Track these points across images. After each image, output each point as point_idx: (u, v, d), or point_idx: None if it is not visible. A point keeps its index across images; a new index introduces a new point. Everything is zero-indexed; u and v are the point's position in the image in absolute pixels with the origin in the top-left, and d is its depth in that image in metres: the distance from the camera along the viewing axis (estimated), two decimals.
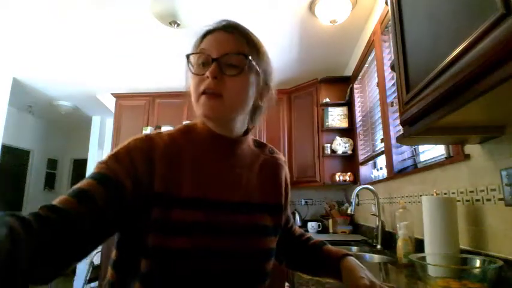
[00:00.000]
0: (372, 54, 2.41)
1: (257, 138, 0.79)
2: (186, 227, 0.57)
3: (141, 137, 0.62)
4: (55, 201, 0.49)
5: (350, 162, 3.04)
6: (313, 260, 0.79)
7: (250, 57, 0.63)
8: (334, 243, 2.16)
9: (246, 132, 0.72)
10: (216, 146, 0.67)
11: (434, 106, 0.75)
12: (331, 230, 2.92)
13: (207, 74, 0.60)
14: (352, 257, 0.72)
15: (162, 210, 0.56)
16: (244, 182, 0.68)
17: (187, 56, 0.64)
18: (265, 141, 0.82)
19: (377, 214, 2.03)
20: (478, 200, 1.07)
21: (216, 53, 0.62)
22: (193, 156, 0.64)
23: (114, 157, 0.58)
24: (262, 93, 0.69)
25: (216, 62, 0.61)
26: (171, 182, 0.59)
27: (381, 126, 2.16)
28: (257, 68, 0.65)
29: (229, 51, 0.62)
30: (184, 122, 0.73)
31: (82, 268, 4.16)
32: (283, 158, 0.81)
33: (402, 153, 1.88)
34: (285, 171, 0.80)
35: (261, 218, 0.68)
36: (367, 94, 2.65)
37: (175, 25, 2.35)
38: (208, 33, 0.66)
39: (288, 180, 0.81)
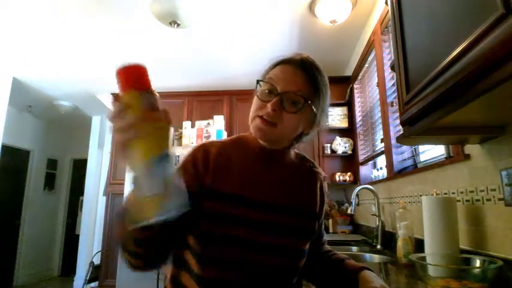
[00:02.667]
0: (372, 54, 2.40)
1: (300, 152, 0.85)
2: (229, 218, 0.67)
3: (198, 146, 0.74)
4: None
5: (350, 162, 3.04)
6: (333, 272, 0.81)
7: (309, 101, 0.69)
8: (334, 243, 2.17)
9: (289, 146, 0.78)
10: (261, 155, 0.75)
11: (434, 106, 0.75)
12: (331, 230, 2.91)
13: (269, 104, 0.67)
14: (370, 271, 0.75)
15: (211, 203, 0.67)
16: (282, 187, 0.75)
17: (258, 81, 0.72)
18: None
19: (377, 214, 2.03)
20: (478, 200, 1.07)
21: (281, 87, 0.68)
22: (240, 161, 0.73)
23: (183, 168, 0.70)
24: (313, 126, 0.75)
25: (279, 96, 0.67)
26: (220, 181, 0.69)
27: (381, 126, 2.16)
28: (314, 108, 0.71)
29: (292, 90, 0.68)
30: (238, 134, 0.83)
31: (82, 268, 4.16)
32: (323, 173, 0.87)
33: (402, 153, 1.88)
34: (322, 184, 0.84)
35: (295, 221, 0.74)
36: (367, 94, 2.65)
37: (175, 25, 2.35)
38: (281, 62, 0.72)
39: (324, 192, 0.85)
